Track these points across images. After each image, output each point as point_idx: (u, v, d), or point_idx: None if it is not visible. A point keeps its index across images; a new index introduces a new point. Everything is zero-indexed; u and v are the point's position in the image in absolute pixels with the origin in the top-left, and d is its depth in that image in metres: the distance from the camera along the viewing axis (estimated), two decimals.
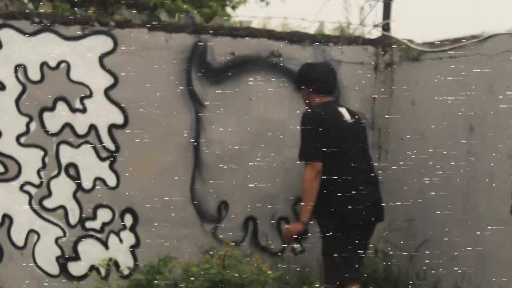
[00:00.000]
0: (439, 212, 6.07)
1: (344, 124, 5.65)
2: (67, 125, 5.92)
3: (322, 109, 5.65)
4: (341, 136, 5.58)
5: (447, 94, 6.03)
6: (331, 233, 5.57)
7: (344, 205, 5.50)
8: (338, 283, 5.51)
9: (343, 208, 5.50)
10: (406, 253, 6.33)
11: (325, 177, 5.50)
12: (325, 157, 5.51)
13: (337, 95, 6.33)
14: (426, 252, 6.18)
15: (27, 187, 5.87)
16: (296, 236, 5.64)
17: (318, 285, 5.34)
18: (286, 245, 5.89)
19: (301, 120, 5.65)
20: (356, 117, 5.79)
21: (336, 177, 5.50)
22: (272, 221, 6.42)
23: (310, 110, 5.71)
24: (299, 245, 5.70)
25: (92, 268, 6.00)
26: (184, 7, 8.39)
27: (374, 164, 6.57)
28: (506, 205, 5.50)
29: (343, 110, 5.73)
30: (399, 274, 6.41)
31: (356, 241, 5.55)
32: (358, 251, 5.60)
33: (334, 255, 5.53)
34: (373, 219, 5.64)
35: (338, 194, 5.50)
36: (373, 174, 5.75)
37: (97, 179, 6.01)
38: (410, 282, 6.32)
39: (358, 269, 5.68)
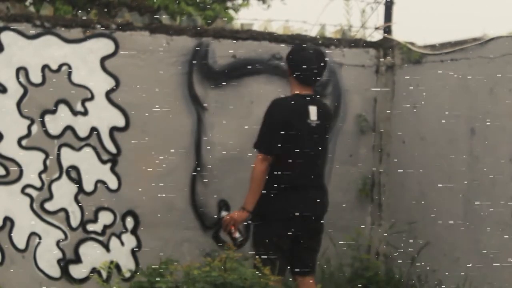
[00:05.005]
0: (440, 214, 6.07)
1: (305, 126, 5.54)
2: (69, 127, 5.91)
3: (289, 103, 5.57)
4: (298, 135, 5.51)
5: (449, 97, 6.03)
6: (261, 223, 5.57)
7: (281, 202, 5.50)
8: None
9: (279, 204, 5.50)
10: (407, 256, 6.33)
11: (271, 170, 5.51)
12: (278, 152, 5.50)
13: (337, 94, 6.35)
14: (427, 254, 6.18)
15: (29, 190, 5.87)
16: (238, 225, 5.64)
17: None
18: (228, 234, 5.73)
19: (267, 107, 5.59)
20: (325, 117, 5.66)
21: (279, 174, 5.49)
22: None
23: (278, 99, 5.64)
24: (240, 235, 5.66)
25: (94, 271, 6.00)
26: (188, 9, 8.40)
27: (373, 166, 6.63)
28: (507, 208, 5.50)
29: (312, 109, 5.58)
30: (400, 277, 6.41)
31: (283, 237, 5.51)
32: (284, 247, 5.54)
33: (259, 246, 5.56)
34: (306, 224, 5.56)
35: (280, 191, 5.50)
36: (320, 180, 5.69)
37: (98, 181, 6.01)
38: (411, 284, 6.32)
39: (284, 265, 5.59)
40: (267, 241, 5.55)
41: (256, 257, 5.37)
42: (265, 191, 5.57)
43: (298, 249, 5.62)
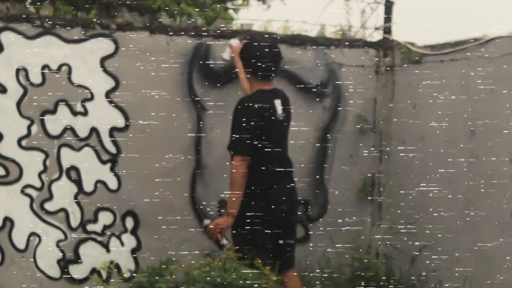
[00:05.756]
0: (440, 214, 6.07)
1: (273, 121, 5.50)
2: (68, 128, 5.91)
3: (256, 99, 5.49)
4: (269, 132, 5.46)
5: (449, 97, 6.03)
6: (240, 224, 5.49)
7: (257, 200, 5.44)
8: None
9: (255, 202, 5.45)
10: (407, 256, 6.33)
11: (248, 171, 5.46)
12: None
13: (337, 94, 6.35)
14: (427, 254, 6.18)
15: (28, 190, 5.87)
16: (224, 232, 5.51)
17: None
18: (214, 242, 5.60)
19: (234, 108, 5.52)
20: (287, 109, 5.61)
21: (255, 173, 5.43)
22: None
23: (244, 98, 5.57)
24: (227, 241, 5.52)
25: (93, 271, 6.00)
26: (188, 9, 8.39)
27: (373, 166, 6.63)
28: (507, 208, 5.50)
29: (277, 102, 5.54)
30: (400, 277, 6.41)
31: (265, 235, 5.47)
32: (266, 245, 5.50)
33: (243, 245, 5.47)
34: (282, 218, 5.53)
35: (253, 190, 5.45)
36: (290, 172, 5.64)
37: (98, 182, 6.01)
38: (411, 284, 6.32)
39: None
40: (251, 241, 5.46)
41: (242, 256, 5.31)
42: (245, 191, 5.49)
43: (278, 245, 5.58)
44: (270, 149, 5.46)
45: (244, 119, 5.42)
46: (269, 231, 5.49)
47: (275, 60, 5.58)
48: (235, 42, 5.99)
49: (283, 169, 5.56)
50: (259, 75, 5.54)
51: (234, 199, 5.44)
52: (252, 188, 5.47)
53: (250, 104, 5.45)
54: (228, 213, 5.49)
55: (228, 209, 5.49)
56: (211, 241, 5.63)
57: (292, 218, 5.68)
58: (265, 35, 6.34)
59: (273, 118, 5.49)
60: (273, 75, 5.60)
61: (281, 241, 5.59)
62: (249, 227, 5.47)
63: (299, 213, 5.86)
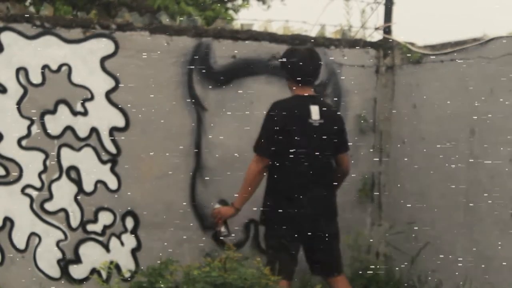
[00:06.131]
0: (440, 214, 6.07)
1: (306, 126, 5.54)
2: (68, 128, 5.91)
3: (288, 104, 5.56)
4: (299, 136, 5.50)
5: (448, 97, 6.03)
6: (268, 227, 5.66)
7: (286, 204, 5.52)
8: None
9: (284, 206, 5.52)
10: (407, 256, 6.33)
11: (273, 173, 5.56)
12: (277, 154, 5.51)
13: (337, 94, 6.36)
14: (427, 254, 6.18)
15: (28, 190, 5.87)
16: (224, 220, 5.82)
17: None
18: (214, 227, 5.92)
19: (267, 110, 5.61)
20: (330, 117, 5.64)
21: (281, 176, 5.52)
22: None
23: (277, 101, 5.63)
24: (226, 230, 5.82)
25: (94, 271, 6.00)
26: (188, 9, 8.38)
27: (373, 166, 6.63)
28: (507, 208, 5.50)
29: (314, 109, 5.57)
30: (400, 277, 6.41)
31: (289, 241, 5.54)
32: (291, 250, 5.57)
33: (269, 249, 5.64)
34: (313, 224, 5.57)
35: (280, 193, 5.53)
36: (325, 179, 5.66)
37: (98, 182, 6.01)
38: (411, 285, 6.32)
39: (291, 268, 5.62)
40: (276, 244, 5.57)
41: (267, 259, 5.52)
42: (270, 196, 5.60)
43: (313, 252, 5.66)
44: (299, 154, 5.51)
45: (270, 120, 5.52)
46: (296, 237, 5.55)
47: (314, 66, 5.66)
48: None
49: (314, 174, 5.57)
50: (297, 80, 5.63)
51: (241, 194, 5.63)
52: (279, 191, 5.53)
53: (279, 106, 5.54)
54: (232, 205, 5.75)
55: (235, 201, 5.72)
56: (213, 224, 5.94)
57: (327, 224, 5.66)
58: (266, 34, 6.34)
59: (304, 122, 5.53)
60: (311, 80, 5.68)
61: (318, 247, 5.64)
62: (274, 230, 5.57)
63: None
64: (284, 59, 5.69)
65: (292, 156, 5.50)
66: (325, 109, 5.64)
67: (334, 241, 5.74)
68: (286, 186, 5.54)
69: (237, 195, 5.73)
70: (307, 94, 5.65)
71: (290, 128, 5.49)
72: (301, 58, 5.64)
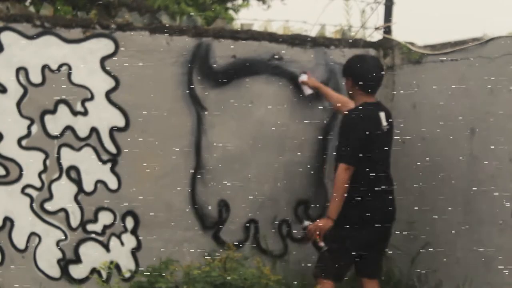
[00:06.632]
0: (440, 214, 6.07)
1: (380, 131, 5.64)
2: (69, 128, 5.91)
3: (364, 112, 5.62)
4: (375, 143, 5.59)
5: (449, 97, 6.03)
6: (342, 229, 5.60)
7: (359, 209, 5.55)
8: (316, 272, 5.64)
9: (356, 211, 5.56)
10: (407, 256, 6.33)
11: (352, 179, 5.55)
12: (359, 161, 5.56)
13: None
14: (427, 254, 6.18)
15: (29, 190, 5.87)
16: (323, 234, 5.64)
17: None
18: (312, 243, 5.74)
19: (342, 120, 5.67)
20: (390, 121, 5.75)
21: (361, 182, 5.55)
22: (275, 222, 6.43)
23: (352, 111, 5.68)
24: (325, 244, 5.62)
25: (94, 271, 6.00)
26: (188, 9, 8.40)
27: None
28: (507, 208, 5.50)
29: (382, 115, 5.67)
30: (400, 277, 6.41)
31: (357, 244, 5.58)
32: (352, 254, 5.61)
33: (331, 248, 5.63)
34: (382, 229, 5.64)
35: (358, 198, 5.56)
36: (390, 183, 5.76)
37: (98, 181, 6.01)
38: (411, 285, 6.32)
39: (345, 272, 5.71)
40: (342, 246, 5.59)
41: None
42: (348, 200, 5.59)
43: (369, 253, 5.67)
44: (374, 160, 5.58)
45: (354, 130, 5.55)
46: (362, 239, 5.59)
47: (381, 75, 5.72)
48: (305, 77, 6.26)
49: (385, 179, 5.66)
50: (365, 89, 5.66)
51: (335, 204, 5.56)
52: (356, 195, 5.56)
53: (360, 115, 5.59)
54: (328, 217, 5.62)
55: (328, 213, 5.62)
56: (309, 241, 5.76)
57: (389, 229, 5.72)
58: (266, 34, 6.34)
59: (378, 129, 5.61)
60: (377, 88, 5.73)
61: (375, 250, 5.69)
62: (344, 232, 5.57)
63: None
64: (354, 68, 5.73)
65: (368, 162, 5.55)
66: (387, 114, 5.72)
67: (387, 245, 5.85)
68: (364, 191, 5.56)
69: (330, 206, 5.63)
70: (374, 102, 5.71)
71: (369, 135, 5.55)
72: (371, 67, 5.70)
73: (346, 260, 5.63)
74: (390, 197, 5.70)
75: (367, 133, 5.54)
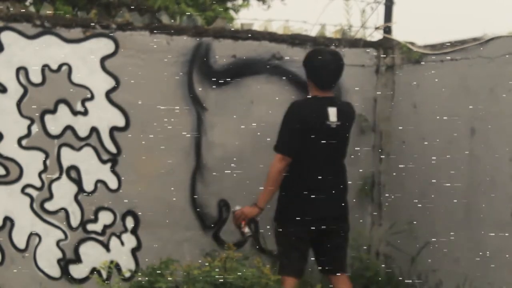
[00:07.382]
0: (440, 214, 6.07)
1: (324, 127, 5.58)
2: (69, 127, 5.91)
3: (307, 104, 5.63)
4: (317, 137, 5.56)
5: (449, 96, 6.03)
6: (280, 224, 5.71)
7: (295, 204, 5.60)
8: (278, 271, 5.66)
9: (293, 206, 5.61)
10: (407, 256, 6.33)
11: (289, 172, 5.58)
12: (296, 153, 5.57)
13: (338, 94, 6.36)
14: (427, 254, 6.18)
15: (29, 190, 5.87)
16: (248, 220, 5.78)
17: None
18: (238, 228, 5.86)
19: (286, 109, 5.66)
20: (346, 117, 5.70)
21: (297, 176, 5.57)
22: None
23: (296, 102, 5.72)
24: (249, 230, 5.78)
25: (94, 270, 6.00)
26: (188, 10, 8.39)
27: (373, 166, 6.63)
28: (507, 208, 5.50)
29: (332, 110, 5.62)
30: (400, 277, 6.41)
31: (299, 239, 5.61)
32: (301, 248, 5.64)
33: (279, 246, 5.73)
34: (323, 224, 5.60)
35: (294, 192, 5.59)
36: (338, 179, 5.72)
37: (98, 181, 6.01)
38: (411, 285, 6.32)
39: (300, 265, 5.69)
40: (287, 242, 5.64)
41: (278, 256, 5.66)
42: (284, 194, 5.65)
43: (322, 249, 5.70)
44: (315, 154, 5.56)
45: (290, 119, 5.58)
46: (308, 235, 5.61)
47: (335, 70, 5.70)
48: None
49: (329, 175, 5.63)
50: (318, 83, 5.66)
51: (265, 193, 5.65)
52: (293, 189, 5.59)
53: (299, 106, 5.62)
54: (255, 204, 5.70)
55: (257, 200, 5.70)
56: (235, 226, 5.86)
57: (338, 224, 5.70)
58: (266, 34, 6.34)
59: (322, 123, 5.57)
60: (331, 84, 5.71)
61: (327, 245, 5.69)
62: (285, 228, 5.63)
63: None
64: (309, 61, 5.73)
65: (308, 156, 5.55)
66: (342, 110, 5.68)
67: (343, 240, 5.80)
68: (301, 185, 5.58)
69: (259, 194, 5.72)
70: (325, 96, 5.67)
71: (308, 128, 5.54)
72: (328, 62, 5.68)
73: (296, 254, 5.62)
74: (333, 192, 5.64)
75: (304, 123, 5.51)
